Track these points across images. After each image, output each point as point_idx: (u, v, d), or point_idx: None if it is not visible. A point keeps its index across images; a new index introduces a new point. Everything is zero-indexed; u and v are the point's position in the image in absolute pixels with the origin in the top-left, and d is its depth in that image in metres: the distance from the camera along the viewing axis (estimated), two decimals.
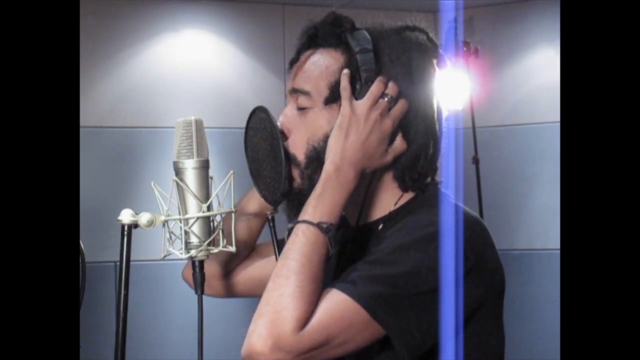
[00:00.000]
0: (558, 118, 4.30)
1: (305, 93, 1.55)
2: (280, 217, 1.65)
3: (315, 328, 1.39)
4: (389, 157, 1.53)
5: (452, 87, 4.27)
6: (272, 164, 1.55)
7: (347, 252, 1.58)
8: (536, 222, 4.68)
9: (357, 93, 1.52)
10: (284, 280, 1.41)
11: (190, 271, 1.53)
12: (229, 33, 4.55)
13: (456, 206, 1.52)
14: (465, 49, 4.41)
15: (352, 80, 1.52)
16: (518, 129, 4.76)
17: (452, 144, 1.61)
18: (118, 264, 1.49)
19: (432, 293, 1.43)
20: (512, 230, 4.70)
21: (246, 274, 1.76)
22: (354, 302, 1.40)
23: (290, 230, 1.48)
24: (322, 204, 1.47)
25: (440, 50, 1.58)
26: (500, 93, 4.77)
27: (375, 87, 1.51)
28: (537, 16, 4.71)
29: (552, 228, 4.51)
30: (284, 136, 1.55)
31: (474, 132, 4.47)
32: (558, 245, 4.12)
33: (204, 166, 1.51)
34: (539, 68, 4.71)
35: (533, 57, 4.74)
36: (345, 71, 1.52)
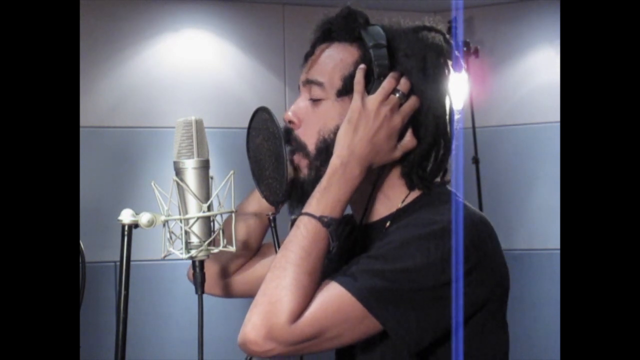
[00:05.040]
0: (558, 118, 4.29)
1: (319, 84, 1.55)
2: (281, 217, 1.65)
3: (308, 320, 1.40)
4: (398, 153, 1.53)
5: (452, 87, 4.27)
6: (274, 164, 1.55)
7: (356, 249, 1.58)
8: (536, 222, 4.68)
9: (369, 88, 1.52)
10: (281, 271, 1.43)
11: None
12: (229, 33, 4.55)
13: (463, 205, 1.52)
14: (465, 49, 4.41)
15: (367, 76, 1.52)
16: (518, 129, 4.76)
17: (459, 144, 1.61)
18: (118, 264, 1.49)
19: (432, 290, 1.43)
20: (512, 230, 4.69)
21: (249, 274, 1.76)
22: (351, 295, 1.41)
23: (293, 222, 1.48)
24: (326, 198, 1.47)
25: (456, 53, 1.58)
26: (500, 93, 4.77)
27: (387, 83, 1.52)
28: (537, 16, 4.70)
29: (552, 228, 4.51)
30: (294, 125, 1.56)
31: (474, 132, 4.48)
32: (558, 245, 4.12)
33: (205, 166, 1.51)
34: (539, 68, 4.71)
35: (533, 57, 4.73)
36: (362, 66, 1.52)
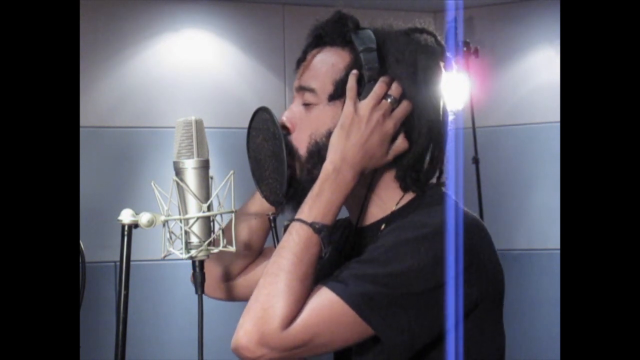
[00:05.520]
0: (558, 118, 4.29)
1: (311, 90, 1.55)
2: (282, 217, 1.65)
3: (300, 326, 1.42)
4: (390, 157, 1.53)
5: (452, 87, 4.27)
6: (274, 164, 1.55)
7: (352, 252, 1.58)
8: (536, 222, 4.68)
9: (359, 92, 1.52)
10: (273, 278, 1.44)
11: None
12: (229, 33, 4.55)
13: (456, 207, 1.52)
14: (465, 49, 4.41)
15: (358, 80, 1.52)
16: (518, 129, 4.76)
17: (452, 144, 1.61)
18: (118, 264, 1.49)
19: (424, 293, 1.43)
20: (512, 230, 4.70)
21: (252, 277, 1.76)
22: (342, 301, 1.42)
23: (286, 228, 1.49)
24: (318, 204, 1.48)
25: (448, 54, 1.58)
26: (500, 93, 4.77)
27: (378, 88, 1.52)
28: (537, 16, 4.70)
29: (552, 228, 4.51)
30: (288, 130, 1.56)
31: (474, 132, 4.47)
32: (558, 245, 4.12)
33: (204, 166, 1.51)
34: (539, 68, 4.71)
35: (533, 57, 4.74)
36: (354, 72, 1.52)
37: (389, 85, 1.52)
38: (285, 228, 1.49)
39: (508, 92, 4.78)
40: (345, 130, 1.50)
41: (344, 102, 1.52)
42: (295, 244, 1.46)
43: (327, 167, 1.50)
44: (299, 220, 1.47)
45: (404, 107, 1.53)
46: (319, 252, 1.47)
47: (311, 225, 1.46)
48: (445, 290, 1.44)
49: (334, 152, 1.50)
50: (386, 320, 1.42)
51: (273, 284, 1.43)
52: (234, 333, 1.42)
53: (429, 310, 1.44)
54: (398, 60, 1.54)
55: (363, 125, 1.50)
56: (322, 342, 1.43)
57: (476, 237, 1.51)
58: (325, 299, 1.43)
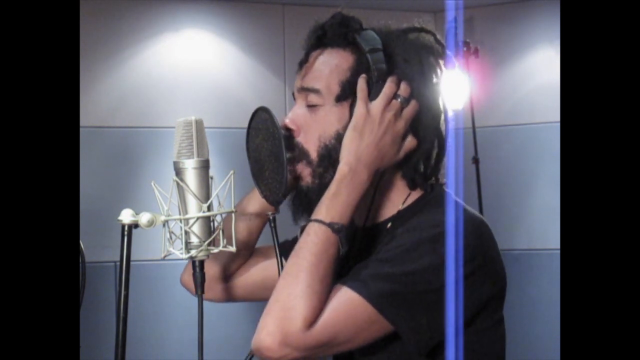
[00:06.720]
0: (558, 118, 4.29)
1: (316, 91, 1.56)
2: (281, 217, 1.66)
3: (322, 326, 1.43)
4: (401, 155, 1.55)
5: (452, 87, 4.27)
6: (273, 164, 1.56)
7: (356, 250, 1.59)
8: (536, 222, 4.68)
9: (369, 92, 1.53)
10: (293, 279, 1.44)
11: (188, 276, 1.54)
12: (229, 33, 4.55)
13: (462, 207, 1.54)
14: (465, 49, 4.41)
15: (367, 82, 1.53)
16: (518, 129, 4.76)
17: (452, 144, 1.62)
18: (118, 264, 1.49)
19: (440, 291, 1.45)
20: (512, 230, 4.69)
21: (247, 278, 1.76)
22: (363, 300, 1.44)
23: (303, 229, 1.49)
24: (335, 204, 1.49)
25: (448, 52, 1.60)
26: (500, 93, 4.77)
27: (388, 88, 1.53)
28: (537, 16, 4.71)
29: (552, 228, 4.51)
30: (292, 132, 1.56)
31: (474, 132, 4.47)
32: (558, 245, 4.12)
33: (204, 166, 1.51)
34: (539, 68, 4.71)
35: (533, 57, 4.74)
36: (364, 75, 1.54)
37: (397, 85, 1.54)
38: (302, 229, 1.50)
39: (508, 92, 4.78)
40: (358, 131, 1.52)
41: (351, 103, 1.54)
42: (314, 244, 1.46)
43: (343, 168, 1.51)
44: (317, 220, 1.48)
45: (413, 106, 1.55)
46: (338, 252, 1.48)
47: (329, 225, 1.47)
48: (460, 288, 1.45)
49: (349, 153, 1.51)
50: (406, 318, 1.44)
51: (293, 285, 1.44)
52: (255, 334, 1.43)
53: (446, 308, 1.45)
54: (406, 60, 1.55)
55: (376, 125, 1.52)
56: (343, 341, 1.45)
57: (485, 236, 1.54)
58: (346, 299, 1.44)
